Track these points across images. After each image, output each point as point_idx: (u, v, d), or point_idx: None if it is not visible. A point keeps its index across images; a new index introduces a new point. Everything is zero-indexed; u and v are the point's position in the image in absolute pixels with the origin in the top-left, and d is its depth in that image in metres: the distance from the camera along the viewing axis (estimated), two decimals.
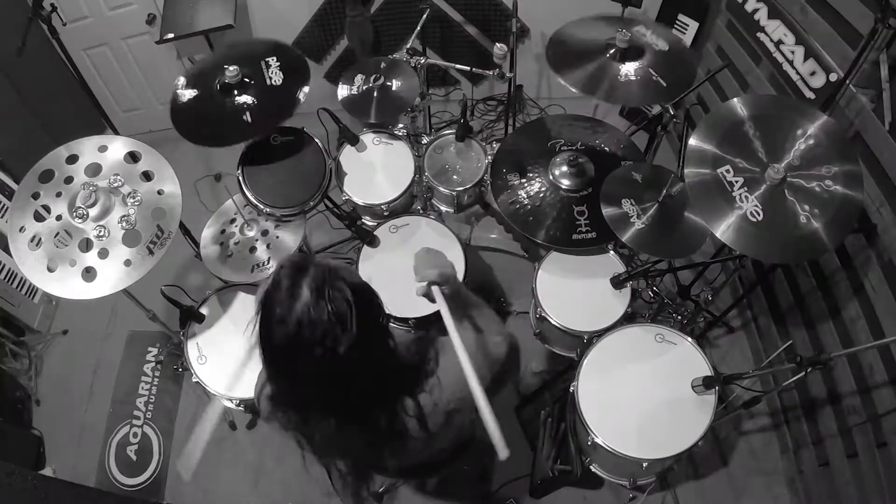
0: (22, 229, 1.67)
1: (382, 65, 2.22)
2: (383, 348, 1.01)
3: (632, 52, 1.92)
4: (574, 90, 1.86)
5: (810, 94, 2.10)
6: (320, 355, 0.89)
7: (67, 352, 2.80)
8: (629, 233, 1.75)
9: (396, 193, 2.16)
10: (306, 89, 1.98)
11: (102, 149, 1.79)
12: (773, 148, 1.57)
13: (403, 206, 2.26)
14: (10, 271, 2.62)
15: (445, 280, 1.13)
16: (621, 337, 1.83)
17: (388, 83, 2.18)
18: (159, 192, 1.76)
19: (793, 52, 2.17)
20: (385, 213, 2.18)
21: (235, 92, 1.96)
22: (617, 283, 1.91)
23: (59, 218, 1.70)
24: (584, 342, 1.89)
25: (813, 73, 2.07)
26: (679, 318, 2.49)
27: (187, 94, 1.98)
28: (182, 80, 2.01)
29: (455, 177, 2.24)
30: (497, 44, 2.18)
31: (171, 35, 2.64)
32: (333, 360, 0.90)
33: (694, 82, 1.90)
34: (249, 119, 1.93)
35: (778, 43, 2.25)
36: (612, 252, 2.00)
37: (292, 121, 2.03)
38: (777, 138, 1.57)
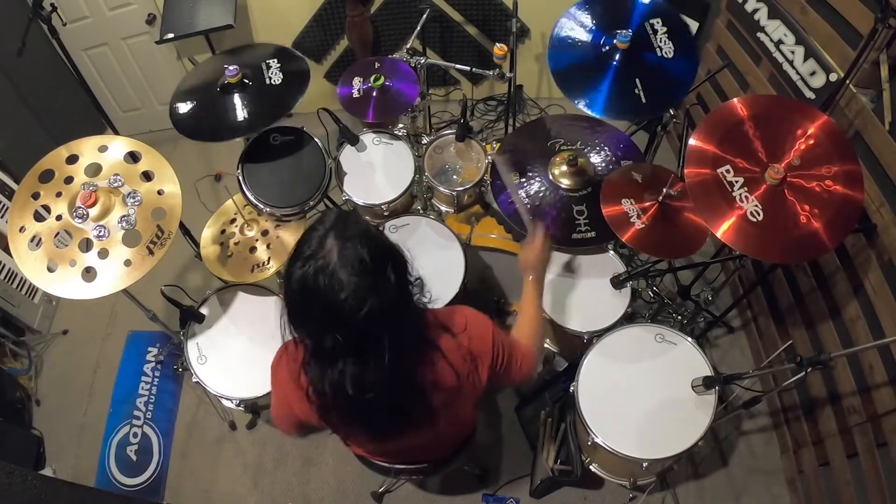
0: (22, 229, 1.67)
1: (382, 65, 2.23)
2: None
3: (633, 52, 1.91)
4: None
5: (810, 94, 2.10)
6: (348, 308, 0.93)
7: (67, 352, 2.80)
8: (629, 233, 1.75)
9: (396, 193, 2.16)
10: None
11: (102, 149, 1.78)
12: (773, 148, 1.57)
13: (403, 206, 2.26)
14: (10, 271, 2.62)
15: None
16: (621, 337, 1.82)
17: (388, 83, 2.18)
18: (159, 192, 1.76)
19: (793, 52, 2.17)
20: (385, 213, 2.18)
21: (235, 91, 1.96)
22: (617, 283, 1.92)
23: (59, 218, 1.69)
24: (584, 342, 1.89)
25: (813, 73, 2.07)
26: (679, 318, 2.49)
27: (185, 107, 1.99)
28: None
29: (455, 177, 2.24)
30: (497, 44, 2.18)
31: (171, 35, 2.64)
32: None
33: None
34: (246, 116, 1.93)
35: (778, 43, 2.25)
36: (612, 252, 2.00)
37: (292, 121, 2.03)
38: (777, 138, 1.57)
